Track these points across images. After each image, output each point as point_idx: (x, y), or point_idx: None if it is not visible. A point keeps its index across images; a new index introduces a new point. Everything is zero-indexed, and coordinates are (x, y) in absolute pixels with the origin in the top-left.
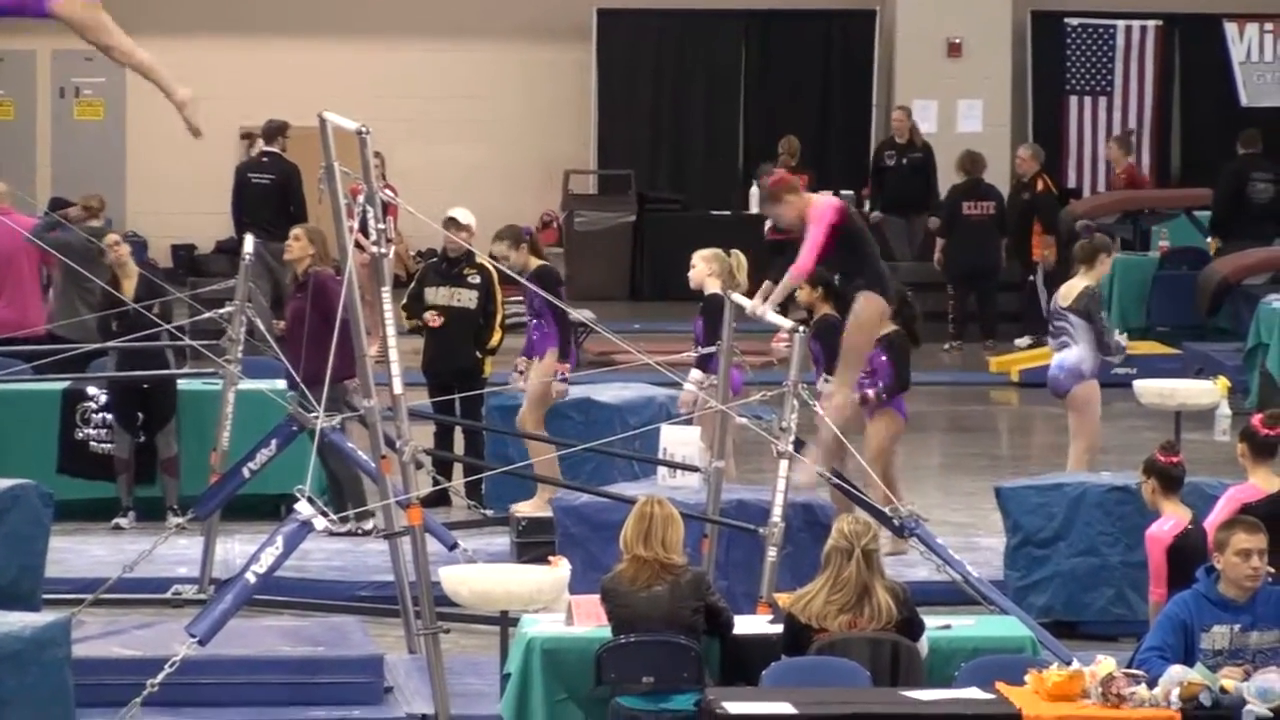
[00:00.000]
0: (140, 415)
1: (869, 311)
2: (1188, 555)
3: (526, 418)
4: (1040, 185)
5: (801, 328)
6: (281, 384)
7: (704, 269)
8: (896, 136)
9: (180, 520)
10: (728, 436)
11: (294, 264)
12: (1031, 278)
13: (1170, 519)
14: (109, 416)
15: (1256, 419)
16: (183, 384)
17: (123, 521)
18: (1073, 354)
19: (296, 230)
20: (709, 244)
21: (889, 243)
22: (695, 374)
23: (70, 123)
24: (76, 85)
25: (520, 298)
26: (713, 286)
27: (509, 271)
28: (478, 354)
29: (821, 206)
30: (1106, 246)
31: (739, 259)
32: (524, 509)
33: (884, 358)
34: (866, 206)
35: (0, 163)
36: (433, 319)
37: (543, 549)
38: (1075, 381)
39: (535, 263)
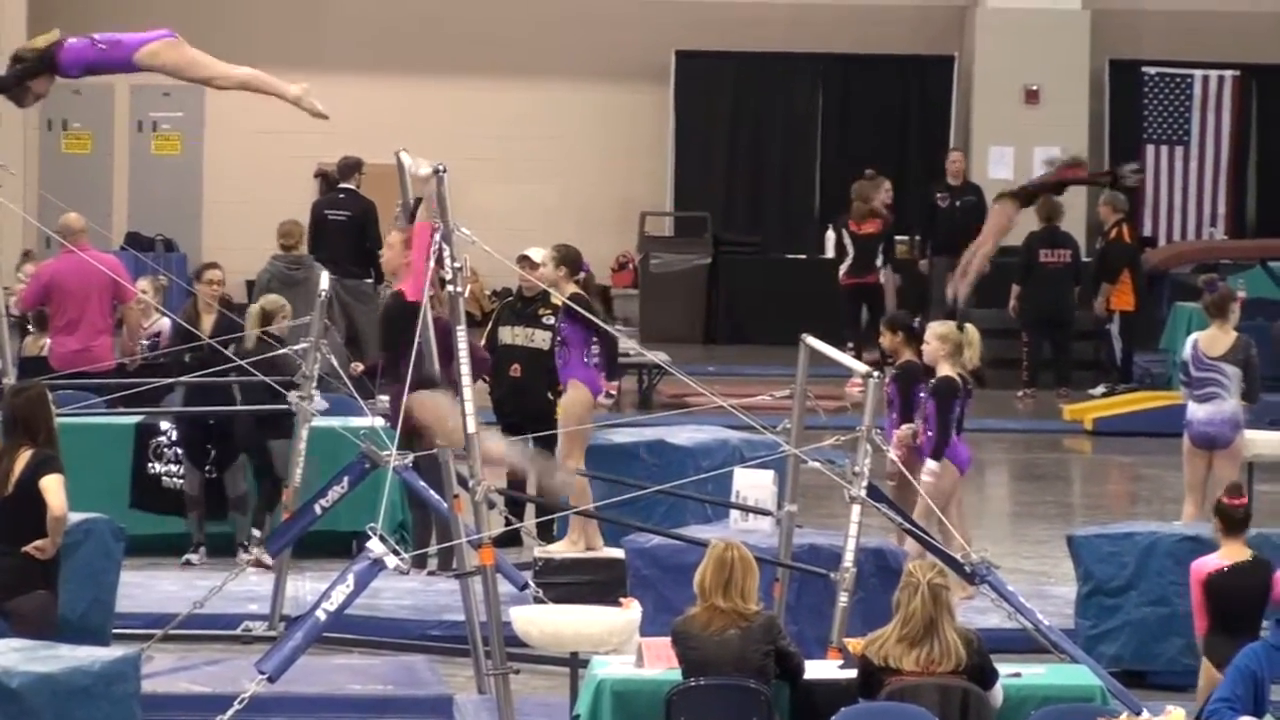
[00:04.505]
0: (210, 451)
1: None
2: (1225, 594)
3: (570, 457)
4: (1114, 234)
5: (876, 372)
6: (356, 420)
7: (937, 346)
8: (950, 178)
9: (250, 557)
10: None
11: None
12: (1108, 326)
13: (1217, 556)
14: (181, 451)
15: None
16: None
17: (193, 557)
18: (1230, 405)
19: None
20: (784, 286)
21: (933, 285)
22: (931, 464)
23: (148, 157)
24: (154, 120)
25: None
26: (946, 368)
27: (538, 282)
28: (550, 395)
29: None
30: (1234, 295)
31: (971, 334)
32: (555, 549)
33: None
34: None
35: (78, 197)
36: (516, 370)
37: (562, 590)
38: (1237, 432)
39: (570, 289)
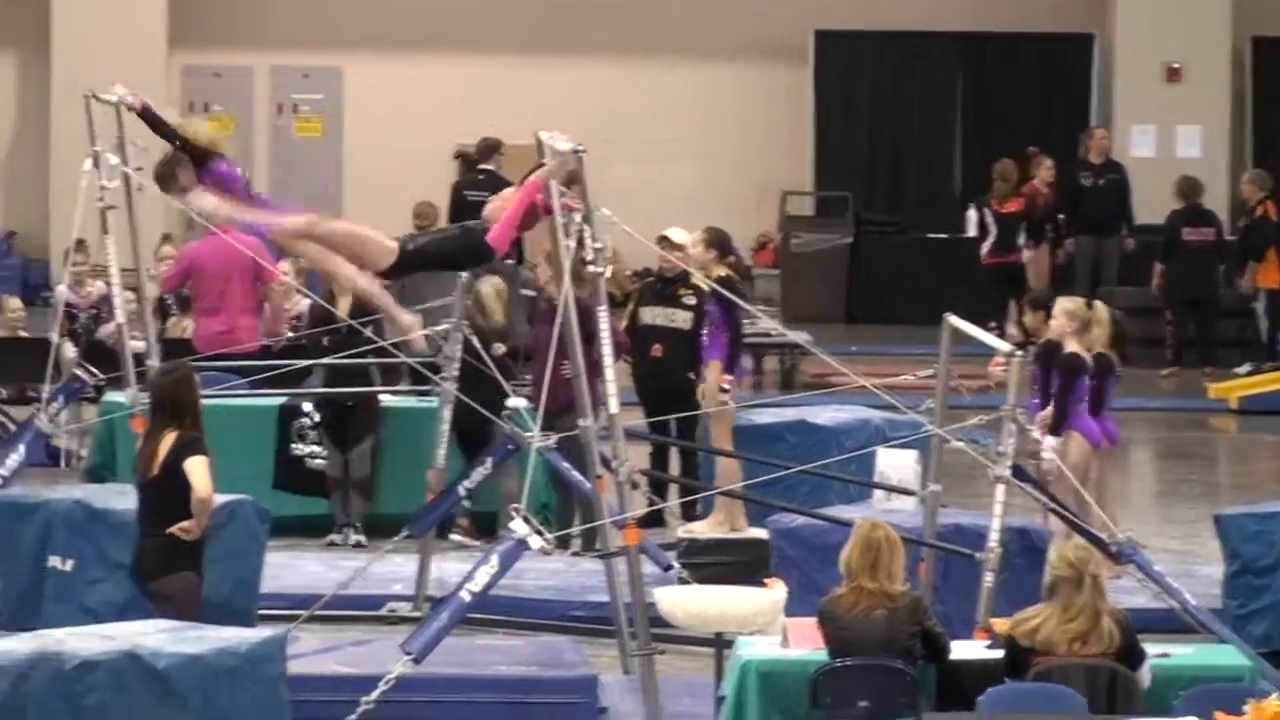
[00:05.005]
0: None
1: None
2: None
3: (717, 437)
4: (1260, 211)
5: (1019, 351)
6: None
7: (1064, 323)
8: (1094, 157)
9: (358, 537)
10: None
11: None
12: (1254, 304)
13: None
14: (323, 433)
15: None
16: (392, 401)
17: (337, 538)
18: None
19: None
20: (925, 266)
21: (1077, 264)
22: (1050, 441)
23: (289, 139)
24: (295, 101)
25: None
26: (1073, 344)
27: (679, 263)
28: (691, 375)
29: None
30: None
31: (1100, 312)
32: (700, 528)
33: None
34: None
35: None
36: (657, 350)
37: (706, 571)
38: None
39: (720, 272)
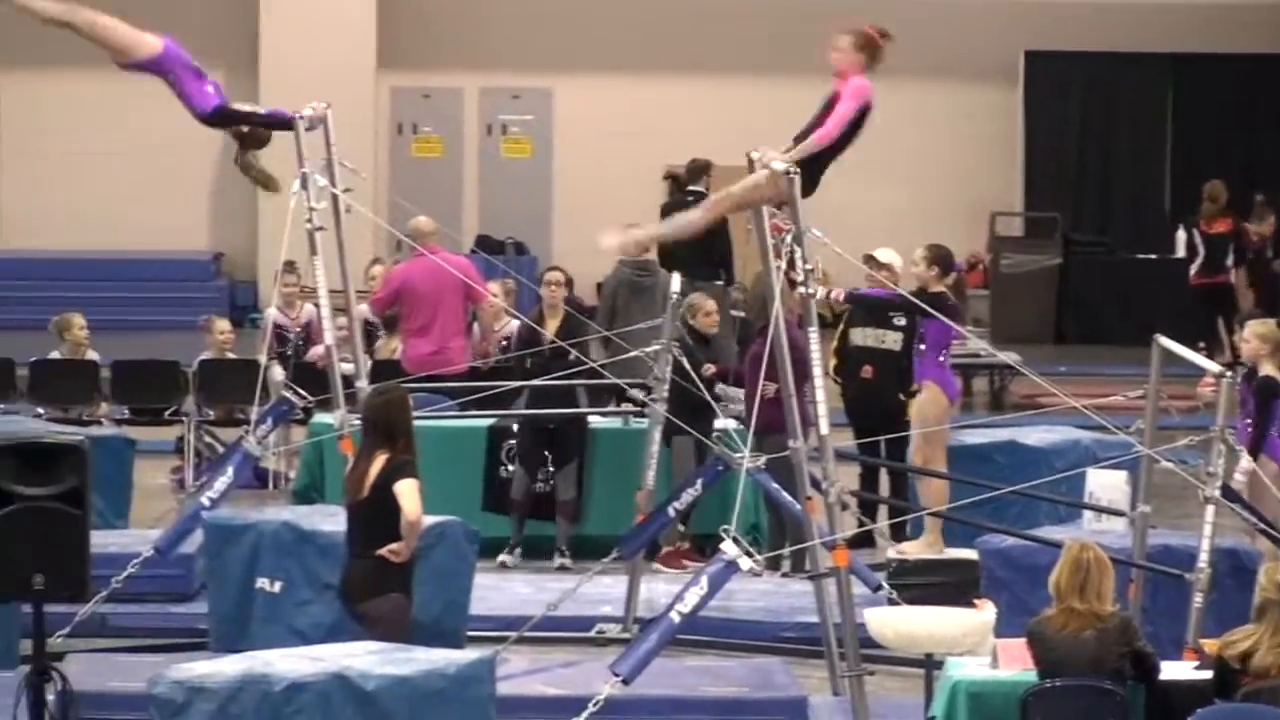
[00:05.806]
0: (548, 455)
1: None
2: None
3: (920, 454)
4: None
5: (1229, 372)
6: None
7: (1256, 345)
8: None
9: (564, 560)
10: None
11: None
12: None
13: None
14: (518, 455)
15: None
16: (600, 423)
17: (508, 558)
18: None
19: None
20: (1134, 286)
21: None
22: (1245, 463)
23: (498, 160)
24: (504, 123)
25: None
26: (1269, 367)
27: (887, 282)
28: (901, 395)
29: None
30: None
31: None
32: (910, 549)
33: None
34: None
35: (429, 200)
36: (867, 371)
37: (916, 592)
38: None
39: (939, 289)
